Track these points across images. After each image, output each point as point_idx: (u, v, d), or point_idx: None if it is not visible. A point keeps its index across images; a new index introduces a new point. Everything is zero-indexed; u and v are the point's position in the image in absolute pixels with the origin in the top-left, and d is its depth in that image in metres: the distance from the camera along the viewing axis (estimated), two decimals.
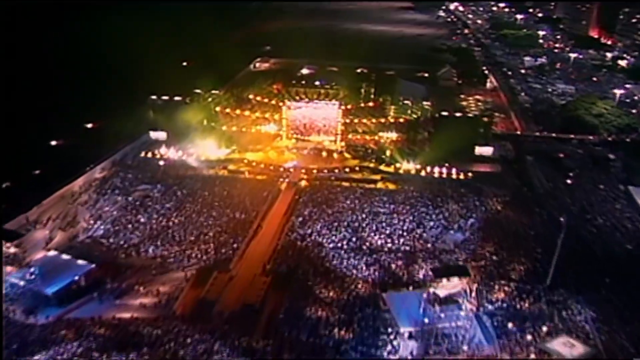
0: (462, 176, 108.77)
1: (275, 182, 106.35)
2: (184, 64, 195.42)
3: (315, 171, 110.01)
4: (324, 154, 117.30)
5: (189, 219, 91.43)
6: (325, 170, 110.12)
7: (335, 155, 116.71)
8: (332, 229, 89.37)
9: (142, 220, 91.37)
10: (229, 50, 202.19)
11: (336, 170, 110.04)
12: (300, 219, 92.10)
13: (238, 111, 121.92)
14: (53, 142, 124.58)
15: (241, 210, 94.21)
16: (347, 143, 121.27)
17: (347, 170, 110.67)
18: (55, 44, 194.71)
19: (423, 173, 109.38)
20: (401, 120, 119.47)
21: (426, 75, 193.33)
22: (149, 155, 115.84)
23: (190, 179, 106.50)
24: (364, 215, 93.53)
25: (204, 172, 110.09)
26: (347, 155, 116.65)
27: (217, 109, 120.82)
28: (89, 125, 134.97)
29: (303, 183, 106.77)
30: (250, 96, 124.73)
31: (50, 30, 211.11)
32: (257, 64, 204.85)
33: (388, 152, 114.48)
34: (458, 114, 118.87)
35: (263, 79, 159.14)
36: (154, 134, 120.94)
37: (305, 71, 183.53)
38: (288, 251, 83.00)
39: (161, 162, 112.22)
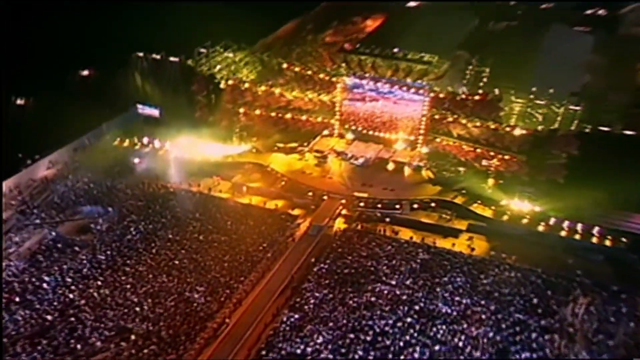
0: (608, 241, 71.27)
1: (290, 221, 75.03)
2: None
3: (362, 203, 76.32)
4: (390, 166, 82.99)
5: (117, 294, 63.19)
6: (379, 205, 75.75)
7: (406, 171, 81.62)
8: (341, 349, 57.06)
9: (44, 286, 63.94)
10: None
11: (397, 207, 75.17)
12: (296, 316, 60.54)
13: (263, 87, 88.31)
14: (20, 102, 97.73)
15: (208, 284, 64.57)
16: (430, 151, 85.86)
17: (415, 206, 75.77)
18: None
19: (541, 227, 72.14)
20: (523, 131, 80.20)
21: (601, 12, 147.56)
22: (125, 143, 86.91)
23: (163, 202, 78.47)
24: (408, 321, 60.03)
25: (192, 188, 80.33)
26: (425, 174, 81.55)
27: (229, 81, 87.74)
28: (85, 73, 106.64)
29: (337, 225, 74.33)
30: (284, 65, 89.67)
31: None
32: None
33: (490, 182, 77.79)
34: (629, 132, 77.84)
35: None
36: (143, 110, 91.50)
37: (412, 4, 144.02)
38: None
39: (136, 160, 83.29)
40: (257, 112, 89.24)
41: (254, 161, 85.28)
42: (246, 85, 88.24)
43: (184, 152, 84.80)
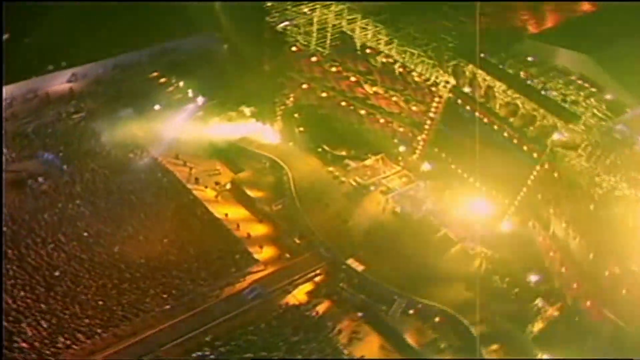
0: None
1: (240, 267, 62.90)
2: None
3: (344, 281, 61.21)
4: (439, 233, 65.12)
5: None
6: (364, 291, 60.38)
7: (454, 248, 64.16)
8: None
9: None
10: None
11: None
12: None
13: (333, 68, 72.21)
14: None
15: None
16: (513, 232, 65.85)
17: (410, 312, 60.05)
18: None
19: None
20: None
21: None
22: (162, 80, 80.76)
23: (126, 181, 69.68)
24: None
25: (177, 169, 71.24)
26: (477, 264, 62.76)
27: (293, 47, 73.02)
28: None
29: (294, 294, 61.43)
30: (367, 50, 71.37)
31: None
32: None
33: (538, 326, 57.88)
34: None
35: None
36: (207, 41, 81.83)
37: None
38: None
39: (156, 107, 76.30)
40: (324, 94, 73.35)
41: (275, 158, 71.65)
42: (313, 58, 72.37)
43: (208, 118, 74.35)
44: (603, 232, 56.80)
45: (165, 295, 58.64)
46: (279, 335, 57.03)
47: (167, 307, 57.66)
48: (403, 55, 67.72)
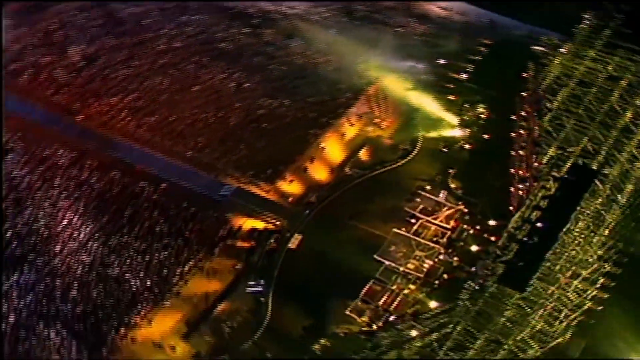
0: None
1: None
2: None
3: (272, 244, 65.50)
4: None
5: None
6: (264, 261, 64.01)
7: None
8: None
9: None
10: None
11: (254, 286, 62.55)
12: None
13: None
14: None
15: None
16: None
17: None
18: None
19: None
20: None
21: None
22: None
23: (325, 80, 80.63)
24: None
25: (363, 97, 78.10)
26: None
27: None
28: None
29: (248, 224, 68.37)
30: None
31: None
32: None
33: None
34: None
35: None
36: None
37: None
38: None
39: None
40: (514, 134, 69.36)
41: (418, 150, 72.02)
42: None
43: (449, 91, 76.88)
44: None
45: (199, 145, 72.71)
46: (176, 219, 65.84)
47: (188, 154, 71.67)
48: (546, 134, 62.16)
